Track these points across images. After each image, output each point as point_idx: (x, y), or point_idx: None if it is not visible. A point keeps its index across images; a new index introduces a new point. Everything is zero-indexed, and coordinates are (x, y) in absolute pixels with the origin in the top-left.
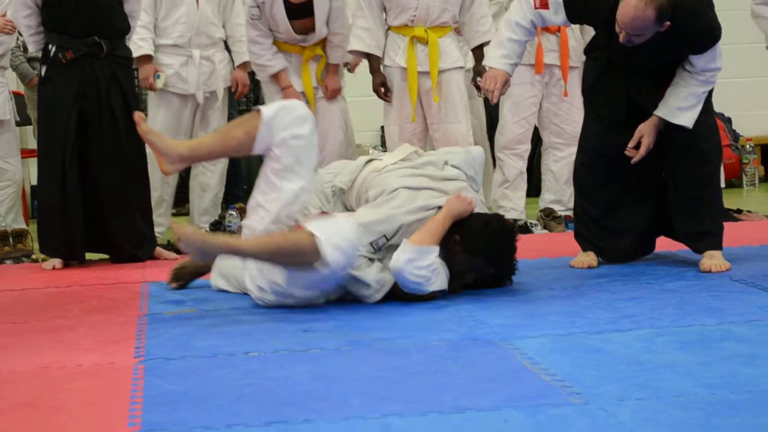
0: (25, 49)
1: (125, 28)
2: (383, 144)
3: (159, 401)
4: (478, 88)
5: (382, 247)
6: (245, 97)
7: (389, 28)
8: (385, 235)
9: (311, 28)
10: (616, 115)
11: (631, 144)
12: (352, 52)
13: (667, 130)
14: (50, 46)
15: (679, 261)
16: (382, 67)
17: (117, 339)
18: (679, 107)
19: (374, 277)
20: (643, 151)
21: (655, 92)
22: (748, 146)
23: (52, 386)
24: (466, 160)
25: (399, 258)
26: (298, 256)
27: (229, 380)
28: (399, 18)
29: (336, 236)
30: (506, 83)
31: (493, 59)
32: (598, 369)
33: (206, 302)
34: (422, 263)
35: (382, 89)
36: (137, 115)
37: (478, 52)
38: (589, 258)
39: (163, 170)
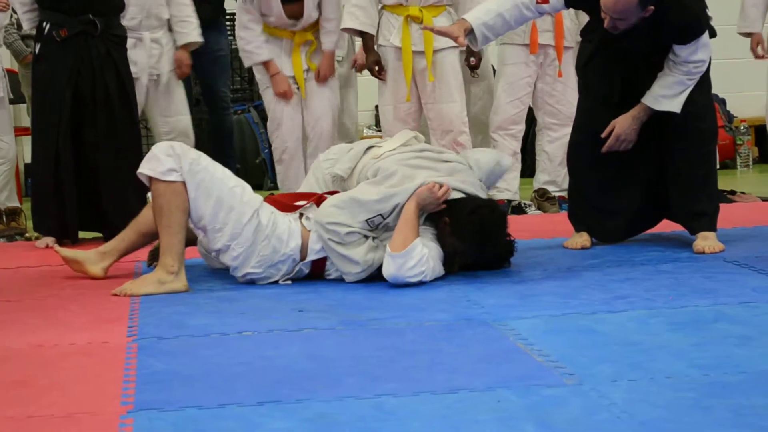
0: (19, 27)
1: (120, 6)
2: (377, 124)
3: (152, 380)
4: (471, 68)
5: (379, 226)
6: (239, 76)
7: (383, 7)
8: (381, 214)
9: (301, 13)
10: (611, 95)
11: (604, 134)
12: (345, 29)
13: (663, 113)
14: (44, 24)
15: (673, 242)
16: (376, 47)
17: (110, 318)
18: (664, 95)
19: (363, 257)
20: (611, 141)
21: (650, 75)
22: (742, 127)
23: (46, 364)
24: (483, 159)
25: (388, 270)
26: None
27: (222, 359)
28: None
29: None
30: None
31: (470, 16)
32: (591, 350)
33: (199, 281)
34: (411, 263)
35: (376, 68)
36: (56, 249)
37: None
38: (583, 239)
39: (93, 274)
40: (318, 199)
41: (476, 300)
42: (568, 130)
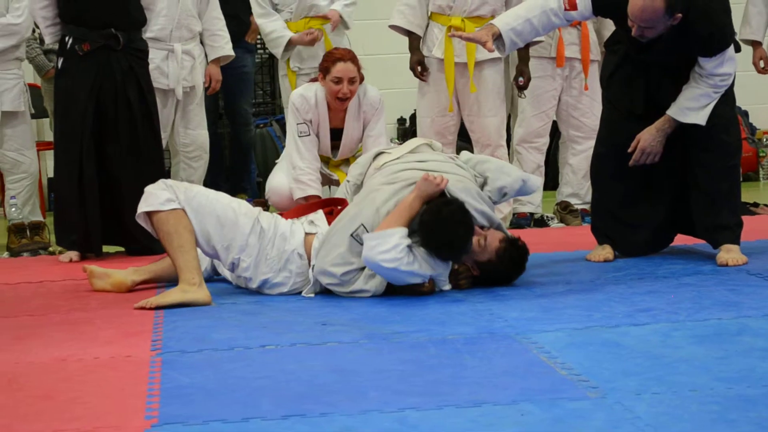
0: (41, 41)
1: (142, 20)
2: (399, 136)
3: (176, 394)
4: (519, 88)
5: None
6: (261, 90)
7: (429, 15)
8: (362, 224)
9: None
10: (635, 108)
11: (630, 148)
12: (393, 27)
13: (687, 125)
14: (67, 38)
15: (696, 255)
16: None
17: (134, 331)
18: (689, 108)
19: (364, 285)
20: (637, 155)
21: (673, 87)
22: (765, 139)
23: (70, 378)
24: (508, 179)
25: (363, 251)
26: None
27: (245, 373)
28: (438, 1)
29: None
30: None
31: (498, 21)
32: (614, 363)
33: (222, 296)
34: (385, 246)
35: (419, 68)
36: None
37: (523, 51)
38: (606, 251)
39: (120, 282)
40: (323, 205)
41: (499, 313)
42: (593, 142)
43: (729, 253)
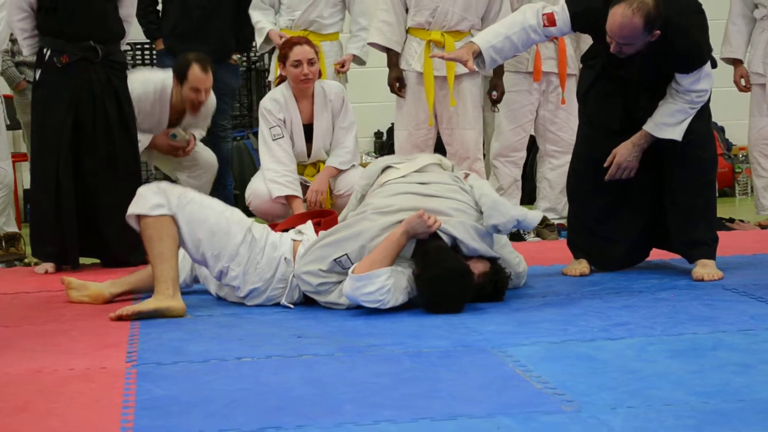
0: (13, 54)
1: (120, 33)
2: (377, 150)
3: (151, 406)
4: (493, 102)
5: (348, 269)
6: (239, 103)
7: (408, 30)
8: (347, 254)
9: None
10: (612, 124)
11: (606, 163)
12: (371, 44)
13: (664, 140)
14: (45, 50)
15: (672, 269)
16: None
17: (109, 343)
18: (666, 123)
19: (338, 299)
20: (612, 170)
21: (651, 103)
22: (740, 155)
23: (45, 390)
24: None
25: (346, 288)
26: None
27: (221, 386)
28: (417, 17)
29: None
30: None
31: (478, 39)
32: (590, 377)
33: (199, 308)
34: (368, 289)
35: (397, 84)
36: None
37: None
38: (582, 265)
39: (96, 294)
40: (311, 216)
41: (474, 327)
42: (570, 157)
43: (704, 268)
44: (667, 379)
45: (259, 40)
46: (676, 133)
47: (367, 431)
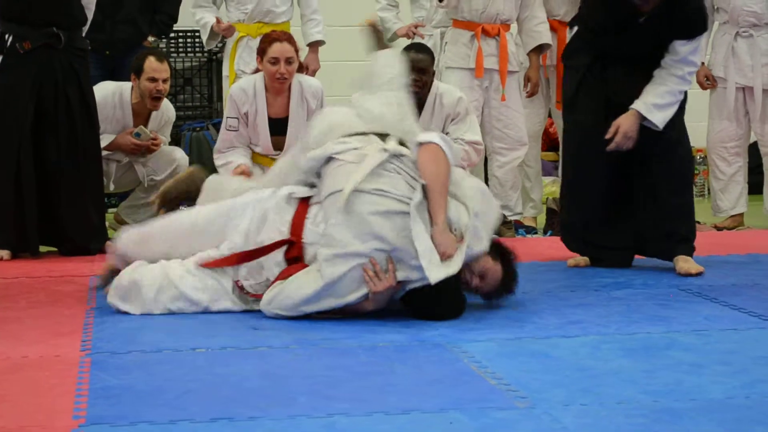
0: None
1: (83, 20)
2: None
3: (104, 395)
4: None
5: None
6: (199, 93)
7: None
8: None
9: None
10: (598, 118)
11: (609, 135)
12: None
13: (644, 137)
14: (7, 36)
15: (628, 270)
16: None
17: (63, 332)
18: (655, 104)
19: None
20: (619, 138)
21: (633, 89)
22: (698, 157)
23: None
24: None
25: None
26: None
27: (174, 376)
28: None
29: None
30: None
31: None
32: (544, 374)
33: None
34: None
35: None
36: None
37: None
38: (583, 259)
39: None
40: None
41: (431, 322)
42: (517, 153)
43: (687, 263)
44: (620, 378)
45: (204, 36)
46: (662, 119)
47: (320, 424)
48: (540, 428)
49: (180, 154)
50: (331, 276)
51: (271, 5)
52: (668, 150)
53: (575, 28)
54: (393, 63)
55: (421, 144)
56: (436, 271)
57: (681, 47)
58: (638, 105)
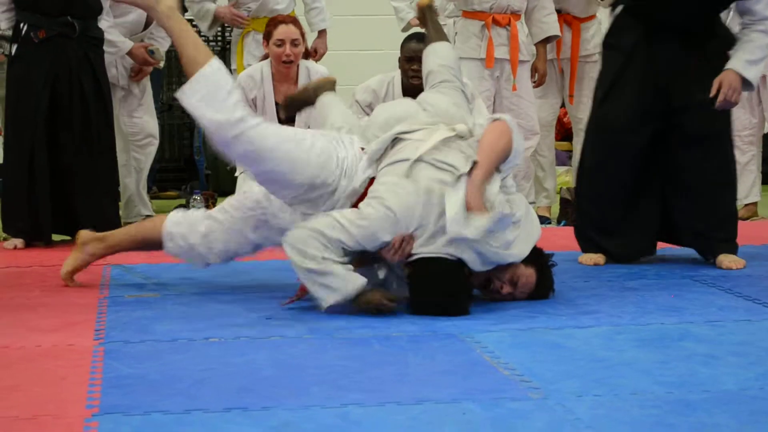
0: None
1: (98, 9)
2: None
3: (117, 384)
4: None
5: (350, 256)
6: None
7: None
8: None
9: None
10: (633, 117)
11: (712, 93)
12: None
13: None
14: (22, 25)
15: (641, 260)
16: None
17: (77, 321)
18: (749, 60)
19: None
20: (725, 89)
21: (685, 67)
22: None
23: (11, 366)
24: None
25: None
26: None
27: (188, 365)
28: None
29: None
30: None
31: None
32: (557, 364)
33: (168, 287)
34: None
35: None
36: None
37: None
38: (597, 256)
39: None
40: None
41: None
42: (529, 143)
43: (728, 258)
44: (633, 369)
45: (204, 24)
46: (755, 75)
47: (333, 414)
48: (553, 419)
49: (153, 129)
50: (368, 215)
51: (273, 4)
52: (716, 144)
53: (618, 8)
54: (449, 57)
55: (493, 120)
56: (457, 227)
57: (755, 6)
58: (733, 64)
